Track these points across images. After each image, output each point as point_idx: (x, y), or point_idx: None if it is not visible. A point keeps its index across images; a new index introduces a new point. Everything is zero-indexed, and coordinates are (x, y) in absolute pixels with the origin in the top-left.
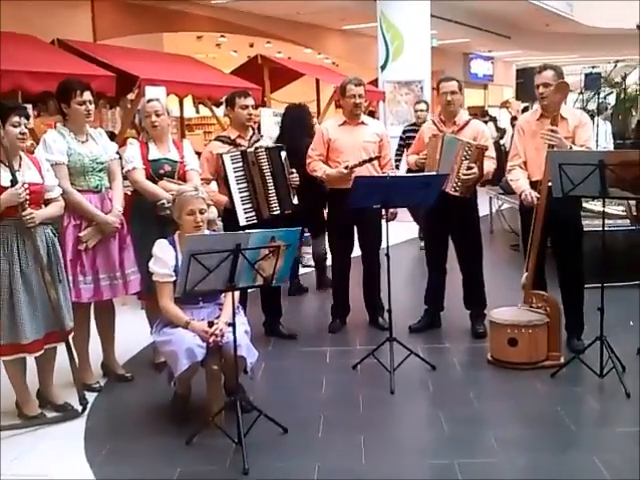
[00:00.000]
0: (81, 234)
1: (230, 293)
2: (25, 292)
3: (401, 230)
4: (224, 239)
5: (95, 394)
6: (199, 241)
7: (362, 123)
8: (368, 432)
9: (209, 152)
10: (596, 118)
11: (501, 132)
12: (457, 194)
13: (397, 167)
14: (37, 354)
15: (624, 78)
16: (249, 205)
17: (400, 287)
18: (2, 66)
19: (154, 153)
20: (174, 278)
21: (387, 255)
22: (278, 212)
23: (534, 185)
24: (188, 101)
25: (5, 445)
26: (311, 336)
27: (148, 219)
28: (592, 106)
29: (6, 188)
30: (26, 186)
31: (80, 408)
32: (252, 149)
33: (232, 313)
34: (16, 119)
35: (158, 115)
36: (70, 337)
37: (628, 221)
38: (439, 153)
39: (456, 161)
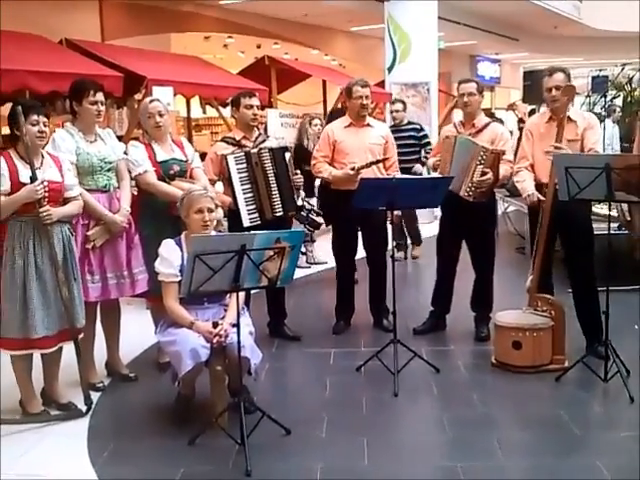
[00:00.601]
0: (89, 233)
1: (235, 294)
2: (38, 288)
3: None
4: (229, 240)
5: (99, 394)
6: (204, 242)
7: (368, 125)
8: (371, 434)
9: (214, 153)
10: (605, 121)
11: None
12: (470, 199)
13: None
14: (48, 351)
15: (629, 81)
16: (253, 206)
17: (405, 289)
18: (10, 65)
19: (161, 154)
20: (179, 278)
21: (392, 257)
22: (281, 213)
23: (541, 188)
24: (195, 101)
25: (8, 443)
26: (315, 337)
27: (161, 219)
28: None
29: (25, 184)
30: (45, 184)
31: (84, 408)
32: (256, 150)
33: (237, 314)
34: (35, 117)
35: (161, 115)
36: (80, 336)
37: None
38: (451, 154)
39: (470, 165)
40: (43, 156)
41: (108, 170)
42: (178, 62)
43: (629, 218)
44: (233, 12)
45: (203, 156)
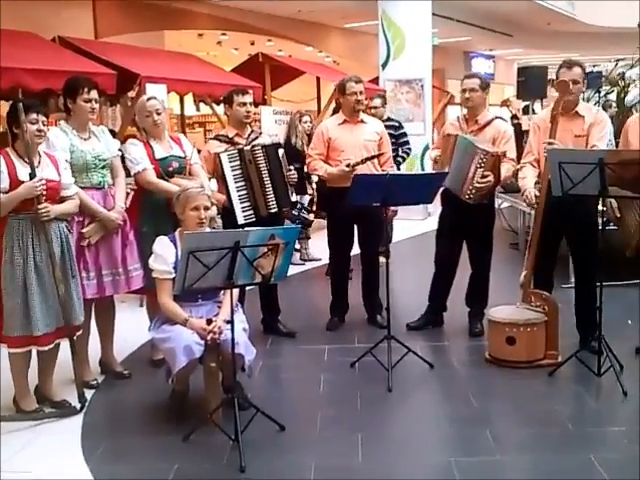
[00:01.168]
0: (84, 230)
1: (229, 291)
2: (38, 285)
3: (406, 227)
4: (223, 237)
5: (93, 391)
6: (198, 238)
7: (362, 121)
8: (366, 430)
9: (207, 151)
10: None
11: None
12: (471, 202)
13: None
14: (46, 348)
15: (622, 77)
16: (247, 203)
17: (400, 285)
18: (3, 63)
19: (159, 152)
20: (173, 275)
21: (385, 253)
22: (276, 210)
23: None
24: (189, 99)
25: (2, 441)
26: (309, 334)
27: (160, 216)
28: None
29: (23, 182)
30: (43, 182)
31: (79, 406)
32: (249, 147)
33: (231, 311)
34: (34, 116)
35: (159, 113)
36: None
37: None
38: (451, 153)
39: (470, 168)
40: (40, 155)
41: (102, 167)
42: (172, 59)
43: (619, 214)
44: (227, 9)
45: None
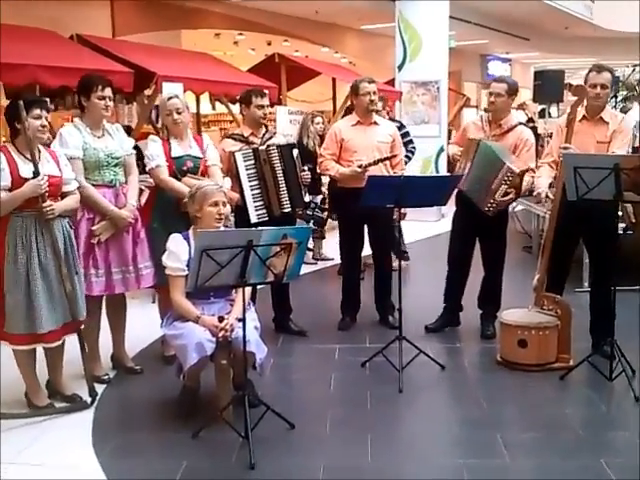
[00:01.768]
0: (94, 227)
1: (241, 289)
2: (43, 283)
3: (419, 229)
4: (236, 235)
5: (104, 386)
6: (211, 237)
7: (375, 123)
8: (375, 430)
9: (222, 150)
10: None
11: None
12: (490, 214)
13: None
14: (53, 345)
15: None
16: (260, 202)
17: (412, 286)
18: (21, 60)
19: (176, 150)
20: (186, 272)
21: (397, 254)
22: (289, 210)
23: None
24: (205, 98)
25: (14, 435)
26: (321, 333)
27: (172, 215)
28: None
29: (26, 180)
30: (46, 178)
31: (89, 400)
32: (264, 147)
33: (242, 309)
34: (37, 112)
35: (179, 112)
36: (81, 328)
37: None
38: (472, 159)
39: (494, 181)
40: (40, 151)
41: (115, 165)
42: (188, 59)
43: (634, 220)
44: (244, 9)
45: None
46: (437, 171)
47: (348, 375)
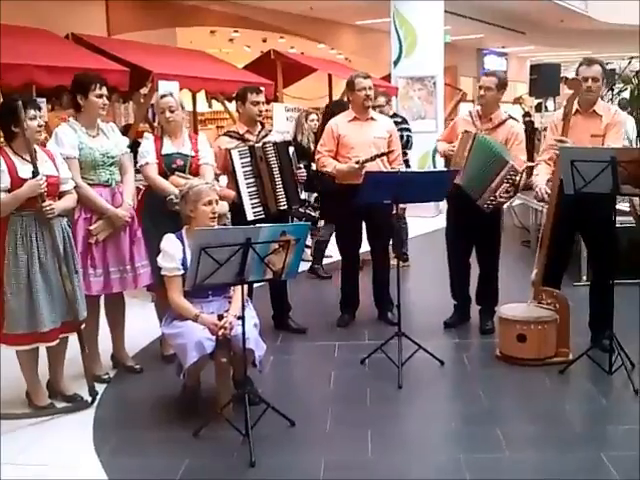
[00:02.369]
0: (91, 227)
1: (240, 287)
2: (43, 282)
3: (417, 225)
4: (234, 233)
5: (104, 385)
6: (209, 235)
7: (371, 119)
8: (375, 426)
9: (217, 147)
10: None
11: None
12: (487, 211)
13: None
14: (53, 343)
15: (636, 74)
16: (257, 200)
17: (411, 282)
18: (16, 60)
19: (167, 148)
20: (182, 272)
21: (396, 250)
22: (285, 207)
23: None
24: (201, 96)
25: (15, 435)
26: (320, 330)
27: (160, 213)
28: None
29: (25, 180)
30: (45, 178)
31: (90, 399)
32: (260, 144)
33: (241, 306)
34: (33, 112)
35: (172, 111)
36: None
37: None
38: (468, 153)
39: (495, 180)
40: (36, 151)
41: (111, 165)
42: (184, 56)
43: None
44: (239, 6)
45: None
46: (434, 166)
47: (348, 372)
